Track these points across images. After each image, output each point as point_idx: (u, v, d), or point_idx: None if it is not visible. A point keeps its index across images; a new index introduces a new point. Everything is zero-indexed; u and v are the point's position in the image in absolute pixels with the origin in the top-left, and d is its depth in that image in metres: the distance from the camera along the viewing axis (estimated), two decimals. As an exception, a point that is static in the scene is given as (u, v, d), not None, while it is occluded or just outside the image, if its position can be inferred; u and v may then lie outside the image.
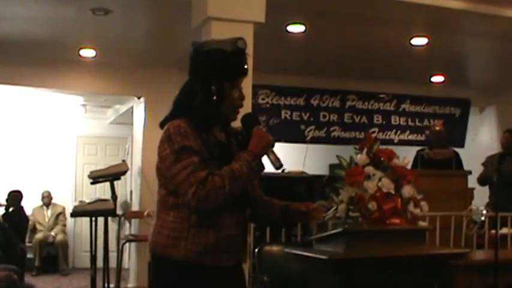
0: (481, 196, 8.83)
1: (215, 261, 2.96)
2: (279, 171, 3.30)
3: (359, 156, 4.98)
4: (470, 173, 8.26)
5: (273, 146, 3.05)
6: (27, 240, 11.67)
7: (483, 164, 8.86)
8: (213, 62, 3.07)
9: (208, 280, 2.97)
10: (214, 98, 3.04)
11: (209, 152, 2.97)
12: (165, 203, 3.06)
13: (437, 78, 10.47)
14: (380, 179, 4.78)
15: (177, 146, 2.95)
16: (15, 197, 11.39)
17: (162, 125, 3.16)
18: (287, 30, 7.61)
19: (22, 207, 11.42)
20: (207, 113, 3.04)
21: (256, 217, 3.32)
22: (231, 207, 2.97)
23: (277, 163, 3.03)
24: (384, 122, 10.61)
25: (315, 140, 10.11)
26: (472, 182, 8.38)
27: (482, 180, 8.87)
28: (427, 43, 8.10)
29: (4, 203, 11.25)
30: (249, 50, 5.90)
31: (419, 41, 8.06)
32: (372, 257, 3.77)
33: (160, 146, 3.06)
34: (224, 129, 3.15)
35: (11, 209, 11.28)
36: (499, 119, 11.30)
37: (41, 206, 12.24)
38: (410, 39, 7.99)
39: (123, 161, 8.01)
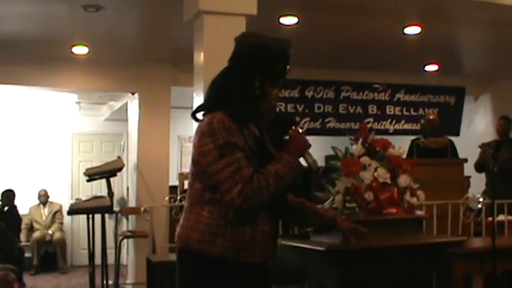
0: (478, 184, 8.85)
1: (249, 258, 2.97)
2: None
3: (354, 146, 4.98)
4: (466, 161, 8.27)
5: (309, 148, 3.08)
6: (24, 239, 11.67)
7: (480, 147, 8.83)
8: (261, 59, 3.04)
9: (241, 276, 2.98)
10: (257, 94, 3.03)
11: (250, 148, 2.97)
12: (200, 197, 3.01)
13: (432, 67, 10.47)
14: (376, 169, 4.78)
15: (222, 142, 2.89)
16: (8, 196, 11.38)
17: (194, 114, 3.12)
18: (280, 22, 7.59)
19: (15, 206, 11.41)
20: (247, 108, 3.02)
21: (289, 217, 3.38)
22: (267, 204, 2.96)
23: (314, 165, 3.08)
24: (379, 112, 10.60)
25: (310, 132, 10.08)
26: (468, 170, 8.39)
27: (479, 167, 8.87)
28: (420, 32, 8.08)
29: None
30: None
31: (412, 30, 8.04)
32: (369, 247, 3.77)
33: (201, 139, 2.95)
34: (257, 125, 3.14)
35: (5, 209, 11.27)
36: (494, 106, 11.30)
37: (38, 205, 12.23)
38: (404, 29, 7.98)
39: (119, 157, 7.99)
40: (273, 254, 3.13)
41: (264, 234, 3.00)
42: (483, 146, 8.81)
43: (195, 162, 3.02)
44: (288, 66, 3.12)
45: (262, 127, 3.16)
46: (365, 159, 4.84)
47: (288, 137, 3.11)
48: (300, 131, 3.13)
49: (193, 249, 2.99)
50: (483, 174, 9.05)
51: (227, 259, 2.93)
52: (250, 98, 3.02)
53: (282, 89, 9.65)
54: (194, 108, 3.17)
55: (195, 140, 3.02)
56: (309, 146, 3.08)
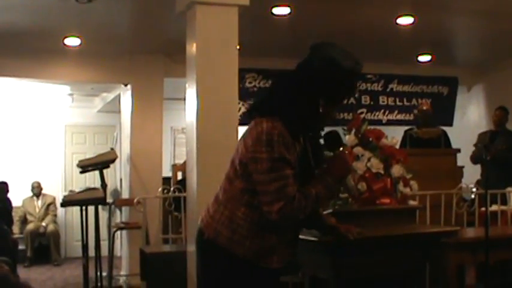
0: (471, 174, 8.86)
1: (268, 263, 3.05)
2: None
3: (347, 137, 4.98)
4: (459, 151, 8.27)
5: (351, 172, 3.13)
6: (18, 231, 11.67)
7: (475, 145, 8.85)
8: (333, 78, 3.02)
9: (257, 279, 3.06)
10: (320, 111, 3.03)
11: (299, 164, 3.00)
12: (239, 197, 3.05)
13: (425, 57, 10.46)
14: (369, 160, 4.79)
15: (277, 156, 2.89)
16: (1, 189, 11.34)
17: (251, 114, 3.10)
18: (272, 13, 7.57)
19: (8, 199, 11.39)
20: (307, 123, 3.05)
21: (305, 225, 3.38)
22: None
23: (353, 190, 3.20)
24: (372, 103, 10.61)
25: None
26: (461, 160, 8.40)
27: (475, 159, 8.88)
28: (413, 22, 8.07)
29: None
30: (234, 34, 5.92)
31: (405, 20, 8.03)
32: (363, 237, 3.76)
33: (257, 145, 2.94)
34: (304, 138, 3.17)
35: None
36: (487, 97, 11.31)
37: (31, 197, 12.22)
38: (396, 19, 7.97)
39: (112, 149, 7.98)
40: (290, 261, 3.19)
41: (286, 243, 3.09)
42: (478, 141, 8.84)
43: (243, 163, 3.01)
44: (355, 88, 3.16)
45: (307, 139, 3.17)
46: (358, 150, 4.84)
47: (332, 155, 3.15)
48: (346, 152, 3.16)
49: (222, 244, 3.04)
50: (477, 165, 9.05)
51: (247, 260, 3.02)
52: (312, 115, 3.04)
53: (271, 79, 9.72)
54: (252, 106, 3.16)
55: (248, 141, 2.99)
56: (352, 170, 3.13)
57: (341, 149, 3.14)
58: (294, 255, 3.21)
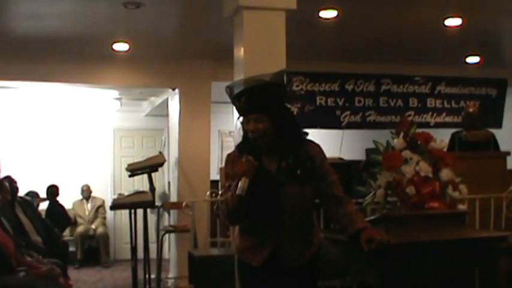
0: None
1: (249, 260, 3.59)
2: None
3: (396, 140, 4.96)
4: (508, 154, 8.16)
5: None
6: (68, 233, 11.83)
7: None
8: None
9: (245, 273, 3.69)
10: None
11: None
12: None
13: (473, 59, 10.34)
14: (417, 163, 4.76)
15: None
16: (52, 191, 11.55)
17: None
18: (319, 16, 7.56)
19: (58, 201, 11.57)
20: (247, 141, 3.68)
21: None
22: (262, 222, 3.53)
23: (240, 191, 3.36)
24: (420, 105, 10.51)
25: (350, 126, 10.06)
26: (511, 163, 8.28)
27: None
28: (461, 23, 7.99)
29: (45, 197, 11.41)
30: (281, 38, 5.93)
31: (453, 22, 7.95)
32: (412, 242, 3.75)
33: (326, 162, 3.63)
34: None
35: (49, 203, 11.45)
36: (537, 98, 11.13)
37: (81, 200, 12.40)
38: (444, 20, 7.90)
39: (160, 152, 8.05)
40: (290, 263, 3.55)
41: (261, 245, 3.53)
42: None
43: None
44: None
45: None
46: (406, 153, 4.82)
47: None
48: (243, 159, 3.45)
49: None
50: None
51: (237, 256, 3.74)
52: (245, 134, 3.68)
53: (318, 82, 9.77)
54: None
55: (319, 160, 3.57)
56: (249, 175, 3.40)
57: (243, 160, 3.43)
58: (284, 258, 3.52)
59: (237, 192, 3.33)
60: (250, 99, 3.47)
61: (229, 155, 3.68)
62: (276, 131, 3.47)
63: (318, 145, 3.61)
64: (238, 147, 3.64)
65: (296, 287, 3.56)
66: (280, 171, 3.45)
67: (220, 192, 3.53)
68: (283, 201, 3.44)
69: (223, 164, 3.71)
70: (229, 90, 3.63)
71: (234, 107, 3.63)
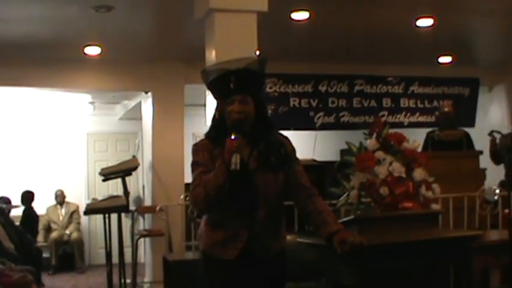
0: (494, 176, 8.77)
1: (220, 255, 3.47)
2: None
3: (369, 141, 4.97)
4: (481, 153, 8.21)
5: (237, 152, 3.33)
6: (42, 239, 11.73)
7: (489, 134, 8.73)
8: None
9: (218, 268, 3.51)
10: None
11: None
12: None
13: (445, 59, 10.41)
14: (391, 163, 4.78)
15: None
16: (27, 198, 11.44)
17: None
18: (291, 18, 7.57)
19: (32, 207, 11.47)
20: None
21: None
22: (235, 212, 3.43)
23: (233, 165, 3.29)
24: (393, 105, 10.56)
25: (324, 127, 10.08)
26: (483, 161, 8.33)
27: (495, 158, 8.80)
28: (433, 24, 8.03)
29: (19, 204, 11.30)
30: (253, 40, 5.91)
31: (425, 22, 7.99)
32: (385, 243, 3.75)
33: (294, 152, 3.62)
34: None
35: (24, 209, 11.34)
36: (509, 97, 11.22)
37: (55, 205, 12.28)
38: (416, 21, 7.93)
39: (134, 156, 8.01)
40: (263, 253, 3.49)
41: (234, 238, 3.45)
42: (492, 134, 8.71)
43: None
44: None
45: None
46: (380, 154, 4.83)
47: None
48: (232, 137, 3.35)
49: (199, 245, 3.77)
50: (500, 166, 8.96)
51: (207, 253, 3.56)
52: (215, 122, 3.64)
53: (291, 84, 9.76)
54: None
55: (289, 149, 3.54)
56: (240, 151, 3.33)
57: (233, 136, 3.33)
58: (257, 247, 3.46)
59: (231, 167, 3.26)
60: (240, 79, 3.42)
61: (196, 144, 3.58)
62: (256, 116, 3.45)
63: (286, 137, 3.59)
64: (209, 135, 3.55)
65: (269, 277, 3.52)
66: (253, 159, 3.40)
67: (192, 181, 3.40)
68: (257, 188, 3.41)
69: (192, 154, 3.56)
70: (205, 74, 3.59)
71: (212, 91, 3.57)
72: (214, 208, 3.44)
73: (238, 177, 3.31)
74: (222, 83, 3.46)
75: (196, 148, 3.54)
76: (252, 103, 3.44)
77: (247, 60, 3.54)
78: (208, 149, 3.47)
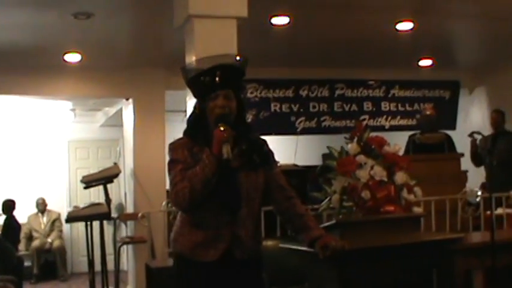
0: (475, 178, 8.82)
1: (201, 257, 3.36)
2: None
3: (350, 145, 4.97)
4: (462, 155, 8.25)
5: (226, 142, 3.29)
6: (23, 248, 11.65)
7: (469, 135, 8.78)
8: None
9: (197, 272, 3.40)
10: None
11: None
12: None
13: (425, 62, 10.45)
14: (372, 167, 4.77)
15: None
16: (8, 206, 11.34)
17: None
18: (271, 23, 7.57)
19: (13, 216, 11.38)
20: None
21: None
22: (217, 211, 3.35)
23: (226, 156, 3.25)
24: (374, 109, 10.60)
25: (305, 131, 10.10)
26: (465, 164, 8.37)
27: (476, 160, 8.85)
28: (413, 27, 8.05)
29: (0, 213, 11.22)
30: (233, 45, 5.89)
31: (404, 26, 8.01)
32: (367, 247, 3.74)
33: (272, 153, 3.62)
34: None
35: (4, 218, 11.26)
36: (489, 99, 11.27)
37: (36, 214, 12.20)
38: (396, 25, 7.95)
39: (115, 163, 7.96)
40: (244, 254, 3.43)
41: (215, 238, 3.37)
42: (472, 135, 8.78)
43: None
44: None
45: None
46: (361, 158, 4.83)
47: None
48: (221, 129, 3.30)
49: (172, 248, 3.60)
50: (481, 168, 9.02)
51: (185, 256, 3.43)
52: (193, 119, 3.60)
53: (272, 88, 9.77)
54: None
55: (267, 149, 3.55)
56: (229, 141, 3.28)
57: (222, 128, 3.29)
58: (239, 250, 3.40)
59: (224, 157, 3.22)
60: (225, 74, 3.41)
61: (173, 143, 3.50)
62: (237, 115, 3.44)
63: (264, 139, 3.58)
64: (189, 132, 3.51)
65: (249, 278, 3.49)
66: (236, 157, 3.36)
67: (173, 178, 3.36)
68: (240, 186, 3.38)
69: (170, 153, 3.48)
70: (185, 72, 3.59)
71: (192, 88, 3.55)
72: (198, 204, 3.33)
73: (225, 172, 3.28)
74: (205, 78, 3.42)
75: (175, 146, 3.48)
76: (234, 100, 3.43)
77: (231, 57, 3.58)
78: (187, 147, 3.42)
